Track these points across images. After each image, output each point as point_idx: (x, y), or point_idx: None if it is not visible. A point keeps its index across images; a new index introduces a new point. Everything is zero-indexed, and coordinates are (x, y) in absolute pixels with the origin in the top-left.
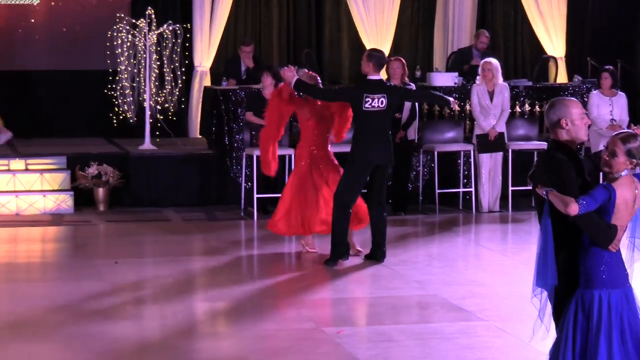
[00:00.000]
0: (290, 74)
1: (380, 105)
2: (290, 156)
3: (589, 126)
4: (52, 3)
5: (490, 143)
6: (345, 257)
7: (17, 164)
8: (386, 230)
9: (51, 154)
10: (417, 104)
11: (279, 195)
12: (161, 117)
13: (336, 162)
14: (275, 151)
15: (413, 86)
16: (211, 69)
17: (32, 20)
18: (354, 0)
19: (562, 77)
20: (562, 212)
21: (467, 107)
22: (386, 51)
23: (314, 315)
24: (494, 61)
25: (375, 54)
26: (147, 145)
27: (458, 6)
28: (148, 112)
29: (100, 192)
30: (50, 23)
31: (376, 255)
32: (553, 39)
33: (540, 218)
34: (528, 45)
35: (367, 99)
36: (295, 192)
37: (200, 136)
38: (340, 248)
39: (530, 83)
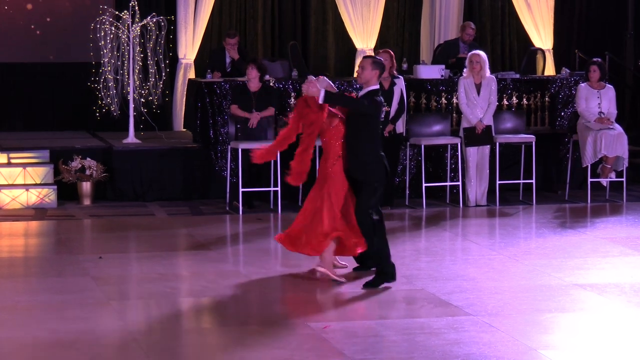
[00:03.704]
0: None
1: None
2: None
3: (577, 119)
4: None
5: (477, 136)
6: None
7: (0, 157)
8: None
9: (34, 147)
10: (405, 96)
11: (264, 189)
12: (145, 110)
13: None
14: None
15: (401, 79)
16: (195, 61)
17: (14, 12)
18: None
19: (549, 70)
20: None
21: (454, 100)
22: (372, 43)
23: (299, 310)
24: (482, 53)
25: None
26: (131, 138)
27: None
28: (132, 105)
29: (84, 186)
30: (33, 14)
31: None
32: (541, 31)
33: None
34: (515, 37)
35: None
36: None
37: (184, 129)
38: None
39: (517, 75)
